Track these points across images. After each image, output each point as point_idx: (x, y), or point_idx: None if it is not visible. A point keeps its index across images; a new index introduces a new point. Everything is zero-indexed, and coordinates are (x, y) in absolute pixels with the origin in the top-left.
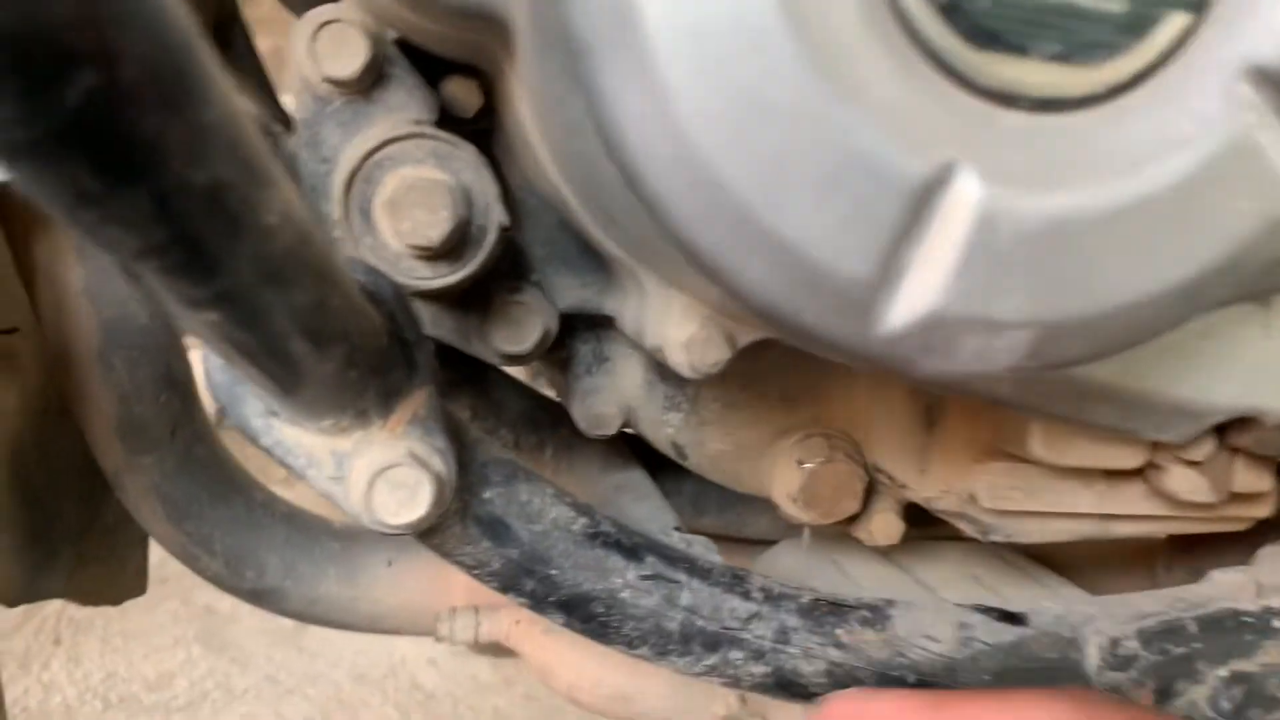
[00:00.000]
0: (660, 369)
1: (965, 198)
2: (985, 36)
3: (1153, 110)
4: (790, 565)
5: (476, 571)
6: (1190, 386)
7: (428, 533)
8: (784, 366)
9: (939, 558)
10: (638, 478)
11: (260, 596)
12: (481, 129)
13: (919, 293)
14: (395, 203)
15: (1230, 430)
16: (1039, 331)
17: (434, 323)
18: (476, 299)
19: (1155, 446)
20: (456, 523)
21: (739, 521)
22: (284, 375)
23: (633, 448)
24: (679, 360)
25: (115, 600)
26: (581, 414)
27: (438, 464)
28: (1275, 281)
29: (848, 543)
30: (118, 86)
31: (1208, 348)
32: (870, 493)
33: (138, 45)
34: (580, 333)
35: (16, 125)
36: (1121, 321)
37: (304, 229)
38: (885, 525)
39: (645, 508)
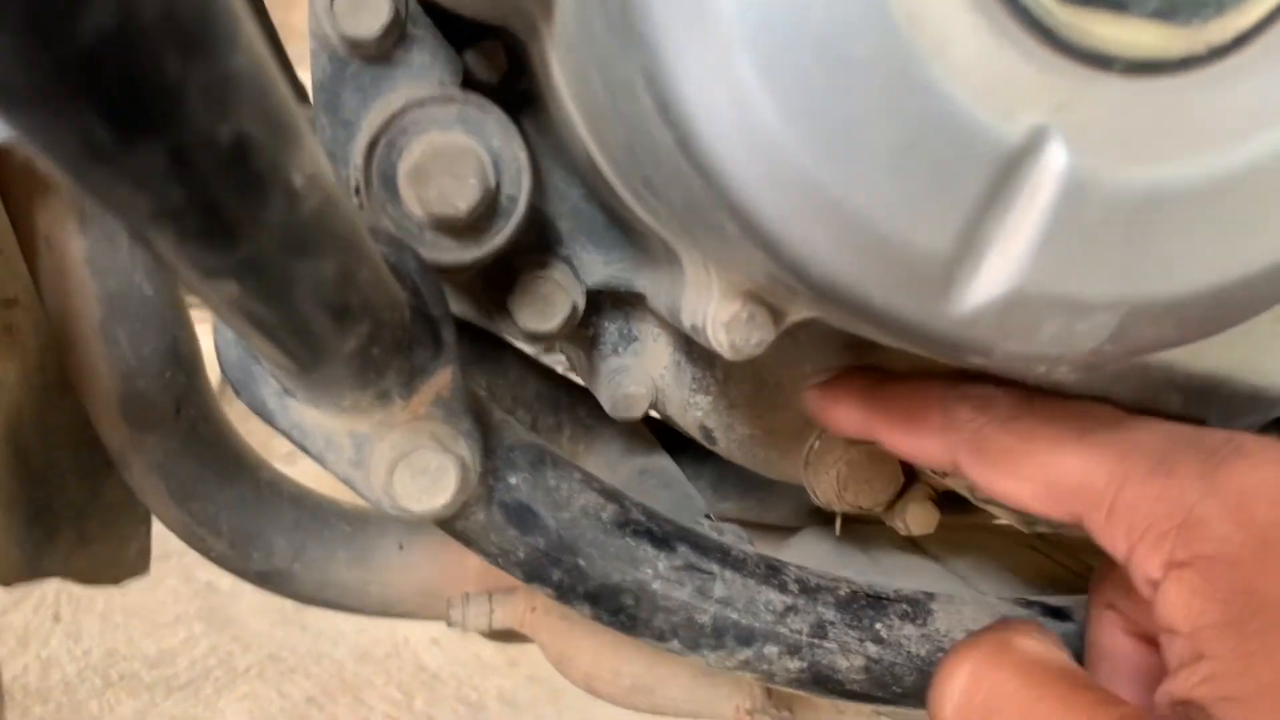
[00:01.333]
0: (688, 349)
1: (1053, 167)
2: None
3: (1258, 74)
4: (819, 554)
5: (501, 561)
6: (1265, 374)
7: (450, 520)
8: (817, 347)
9: (972, 547)
10: (662, 462)
11: (267, 579)
12: (505, 96)
13: (1000, 269)
14: (421, 169)
15: None
16: (1126, 313)
17: (454, 298)
18: (501, 274)
19: None
20: (481, 510)
21: (760, 507)
22: (303, 353)
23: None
24: (720, 340)
25: (116, 580)
26: (609, 395)
27: (462, 448)
28: None
29: (876, 531)
30: (136, 24)
31: None
32: (907, 480)
33: None
34: (607, 311)
35: (20, 68)
36: (1215, 303)
37: (332, 193)
38: (920, 514)
39: (673, 494)
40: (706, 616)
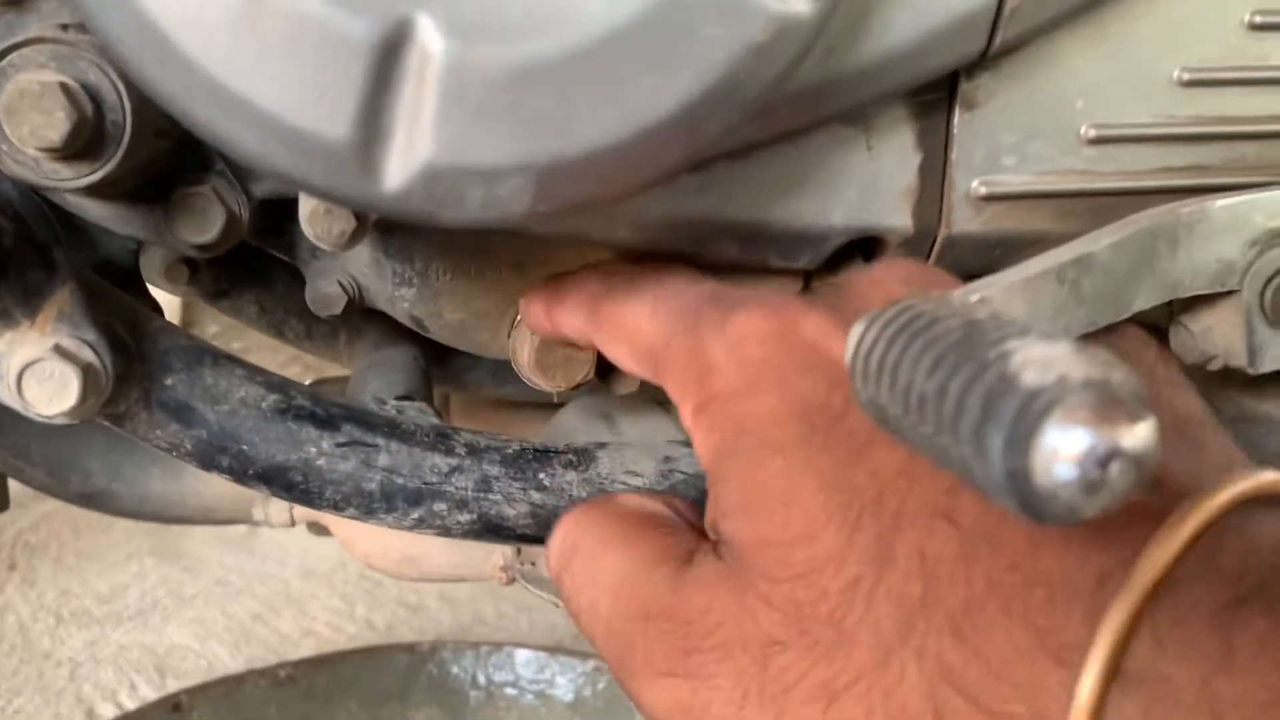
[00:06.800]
0: (385, 246)
1: (431, 51)
2: None
3: None
4: (567, 425)
5: (174, 452)
6: (803, 213)
7: (118, 420)
8: (513, 232)
9: None
10: (395, 354)
11: (90, 500)
12: None
13: (409, 148)
14: (10, 109)
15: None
16: (535, 176)
17: (123, 220)
18: (158, 194)
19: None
20: (142, 409)
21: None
22: None
23: None
24: (309, 234)
25: None
26: (308, 295)
27: (87, 355)
28: (849, 100)
29: (627, 398)
30: None
31: (813, 174)
32: None
33: None
34: None
35: None
36: (618, 160)
37: None
38: (621, 377)
39: (381, 381)
40: (374, 484)
